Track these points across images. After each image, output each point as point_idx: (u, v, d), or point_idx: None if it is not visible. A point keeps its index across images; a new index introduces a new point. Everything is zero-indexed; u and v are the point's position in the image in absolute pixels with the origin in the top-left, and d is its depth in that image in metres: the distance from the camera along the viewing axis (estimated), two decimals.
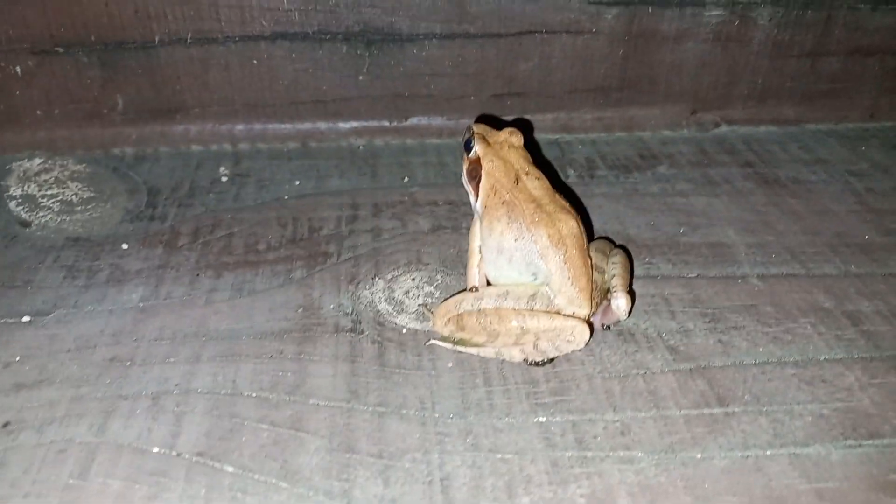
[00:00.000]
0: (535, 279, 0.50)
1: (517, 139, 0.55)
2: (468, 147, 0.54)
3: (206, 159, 0.78)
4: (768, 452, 0.44)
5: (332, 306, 0.56)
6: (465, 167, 0.55)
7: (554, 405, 0.47)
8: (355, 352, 0.51)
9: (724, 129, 0.84)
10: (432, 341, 0.52)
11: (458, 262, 0.61)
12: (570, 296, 0.49)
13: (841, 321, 0.54)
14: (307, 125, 0.81)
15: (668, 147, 0.80)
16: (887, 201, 0.70)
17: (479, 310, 0.50)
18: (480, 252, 0.53)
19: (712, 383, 0.49)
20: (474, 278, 0.53)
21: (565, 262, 0.49)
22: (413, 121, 0.81)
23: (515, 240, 0.50)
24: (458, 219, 0.67)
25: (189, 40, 0.74)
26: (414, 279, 0.59)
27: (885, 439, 0.45)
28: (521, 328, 0.49)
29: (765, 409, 0.47)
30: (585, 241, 0.52)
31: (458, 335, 0.51)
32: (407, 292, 0.58)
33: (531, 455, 0.44)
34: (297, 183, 0.73)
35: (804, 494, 0.41)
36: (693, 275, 0.59)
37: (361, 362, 0.50)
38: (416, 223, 0.67)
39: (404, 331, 0.53)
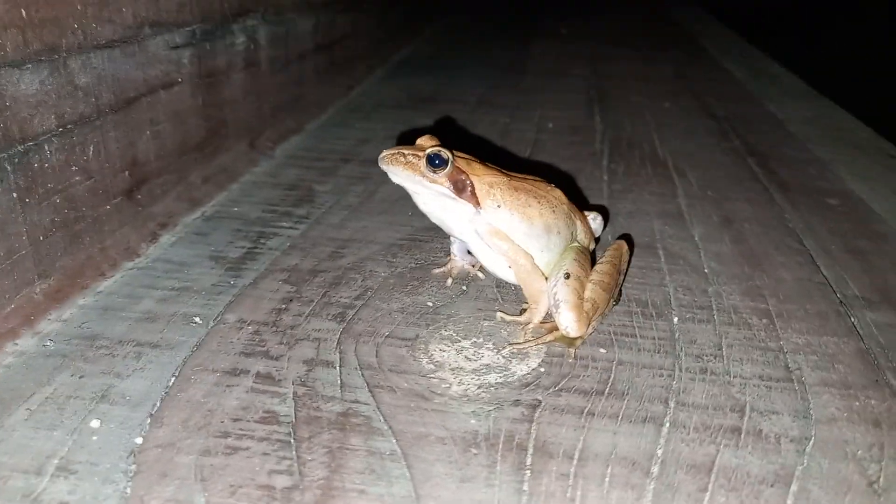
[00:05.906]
0: (573, 237, 0.51)
1: (437, 141, 0.50)
2: (437, 163, 0.47)
3: None
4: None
5: (471, 411, 0.41)
6: (445, 185, 0.47)
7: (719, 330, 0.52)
8: (565, 390, 0.42)
9: (278, 148, 0.84)
10: (571, 351, 0.47)
11: (412, 325, 0.51)
12: (590, 235, 0.54)
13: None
14: None
15: (267, 180, 0.77)
16: None
17: (598, 281, 0.48)
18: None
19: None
20: (540, 274, 0.48)
21: (579, 212, 0.53)
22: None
23: (553, 211, 0.50)
24: (327, 334, 0.52)
25: None
26: (444, 350, 0.47)
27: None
28: (618, 272, 0.51)
29: (748, 283, 0.66)
30: None
31: (594, 322, 0.48)
32: (467, 358, 0.46)
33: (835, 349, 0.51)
34: (97, 426, 0.39)
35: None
36: None
37: (592, 394, 0.42)
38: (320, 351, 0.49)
39: (545, 359, 0.45)
